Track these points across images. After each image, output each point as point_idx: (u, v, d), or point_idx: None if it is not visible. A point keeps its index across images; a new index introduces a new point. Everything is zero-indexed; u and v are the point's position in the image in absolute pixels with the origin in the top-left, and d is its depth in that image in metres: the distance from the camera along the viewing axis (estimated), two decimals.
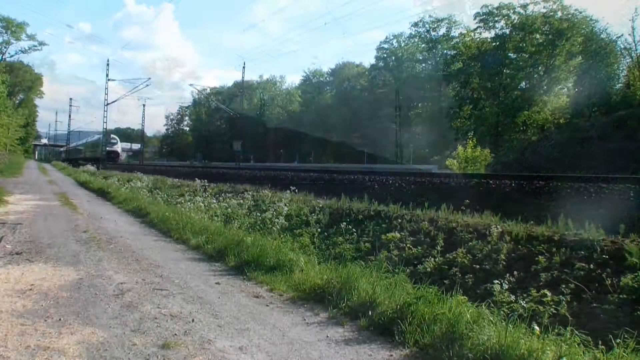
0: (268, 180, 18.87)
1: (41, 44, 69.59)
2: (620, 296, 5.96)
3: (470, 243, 8.41)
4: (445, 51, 79.71)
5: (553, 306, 6.21)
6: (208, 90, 57.38)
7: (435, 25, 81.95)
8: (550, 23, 60.01)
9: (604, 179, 9.63)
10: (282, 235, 11.66)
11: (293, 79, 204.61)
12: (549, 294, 6.44)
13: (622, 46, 59.03)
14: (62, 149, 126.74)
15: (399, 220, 10.35)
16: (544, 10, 61.63)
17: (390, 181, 13.52)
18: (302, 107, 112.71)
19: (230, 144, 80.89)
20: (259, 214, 13.62)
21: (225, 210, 14.92)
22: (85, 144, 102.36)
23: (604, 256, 6.78)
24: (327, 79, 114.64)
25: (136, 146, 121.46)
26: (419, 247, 8.89)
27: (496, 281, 6.65)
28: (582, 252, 6.99)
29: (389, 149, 76.84)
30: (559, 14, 60.79)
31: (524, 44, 61.93)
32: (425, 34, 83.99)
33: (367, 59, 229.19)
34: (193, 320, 6.51)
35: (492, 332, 5.33)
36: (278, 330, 6.36)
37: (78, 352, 5.30)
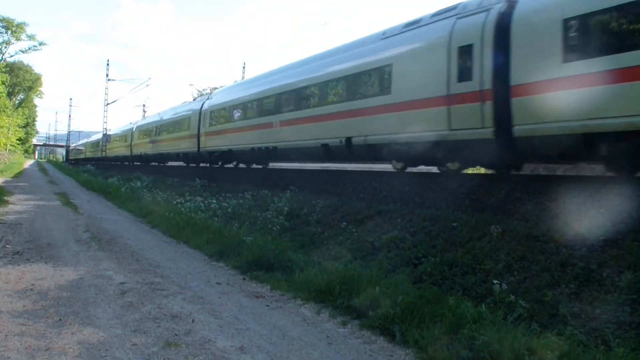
0: (268, 179, 18.84)
1: (41, 44, 69.33)
2: (621, 296, 5.95)
3: (471, 243, 8.41)
4: None
5: (553, 306, 6.21)
6: (208, 90, 56.87)
7: None
8: None
9: (605, 178, 9.62)
10: (282, 235, 11.66)
11: None
12: (549, 293, 6.44)
13: None
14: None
15: (399, 220, 10.34)
16: None
17: (391, 181, 13.50)
18: None
19: None
20: (259, 214, 13.61)
21: (226, 210, 14.90)
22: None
23: (604, 256, 6.78)
24: None
25: None
26: (419, 247, 8.88)
27: (496, 281, 6.65)
28: (583, 252, 6.98)
29: None
30: None
31: None
32: None
33: None
34: (193, 321, 6.52)
35: (492, 332, 5.33)
36: (278, 330, 6.36)
37: (78, 352, 5.31)
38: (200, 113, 26.67)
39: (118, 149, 52.26)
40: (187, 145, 28.26)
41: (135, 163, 44.57)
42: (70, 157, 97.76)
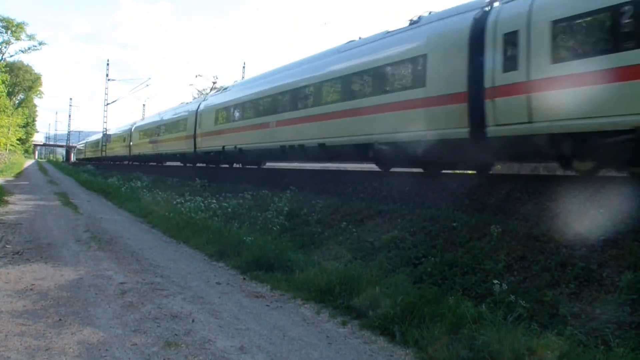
0: (268, 179, 18.83)
1: (41, 43, 69.32)
2: (621, 296, 5.95)
3: (471, 243, 8.41)
4: None
5: (553, 306, 6.21)
6: (208, 90, 56.19)
7: None
8: None
9: (605, 178, 9.62)
10: (282, 235, 11.66)
11: None
12: (549, 293, 6.44)
13: None
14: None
15: (399, 220, 10.34)
16: None
17: (390, 181, 13.50)
18: None
19: None
20: (259, 214, 13.60)
21: (226, 210, 14.91)
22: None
23: (604, 256, 6.78)
24: None
25: None
26: (419, 247, 8.88)
27: (496, 281, 6.65)
28: (583, 252, 6.98)
29: None
30: None
31: None
32: None
33: None
34: (193, 321, 6.52)
35: (492, 332, 5.33)
36: (278, 330, 6.36)
37: (78, 352, 5.31)
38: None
39: (166, 144, 33.98)
40: (424, 125, 12.37)
41: (198, 165, 29.74)
42: (76, 157, 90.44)
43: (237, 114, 23.14)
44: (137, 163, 43.98)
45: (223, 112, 24.72)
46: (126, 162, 48.05)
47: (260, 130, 20.24)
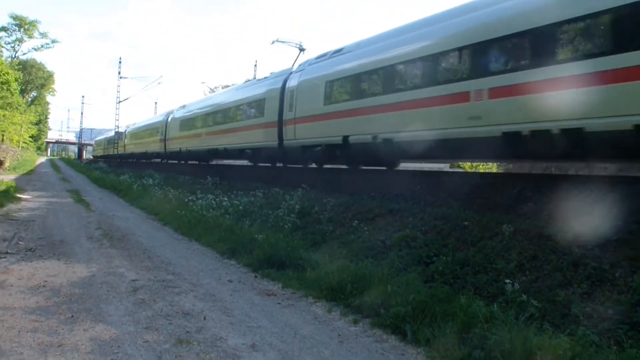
0: (279, 177, 18.85)
1: (54, 41, 69.80)
2: (634, 296, 5.91)
3: (482, 242, 8.37)
4: None
5: (565, 306, 6.18)
6: (220, 88, 55.36)
7: None
8: None
9: (618, 177, 9.56)
10: (293, 233, 11.67)
11: None
12: (561, 293, 6.40)
13: None
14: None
15: (410, 219, 10.32)
16: None
17: (401, 180, 13.48)
18: None
19: None
20: (270, 212, 13.62)
21: (237, 207, 14.94)
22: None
23: (616, 256, 6.73)
24: None
25: None
26: (431, 246, 8.86)
27: (508, 280, 6.63)
28: (595, 252, 6.94)
29: None
30: None
31: None
32: None
33: None
34: (205, 318, 6.54)
35: (504, 332, 5.31)
36: (290, 328, 6.37)
37: (90, 349, 5.34)
38: None
39: (225, 137, 24.71)
40: None
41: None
42: (93, 155, 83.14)
43: (377, 86, 14.26)
44: (174, 162, 35.60)
45: (343, 86, 15.86)
46: (159, 161, 39.81)
47: (440, 108, 11.69)
